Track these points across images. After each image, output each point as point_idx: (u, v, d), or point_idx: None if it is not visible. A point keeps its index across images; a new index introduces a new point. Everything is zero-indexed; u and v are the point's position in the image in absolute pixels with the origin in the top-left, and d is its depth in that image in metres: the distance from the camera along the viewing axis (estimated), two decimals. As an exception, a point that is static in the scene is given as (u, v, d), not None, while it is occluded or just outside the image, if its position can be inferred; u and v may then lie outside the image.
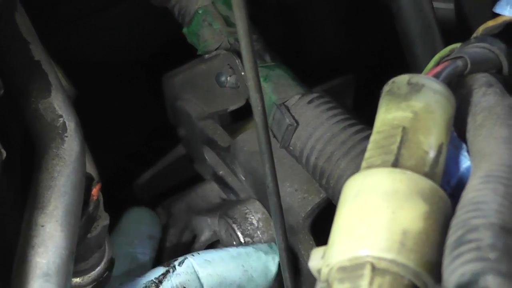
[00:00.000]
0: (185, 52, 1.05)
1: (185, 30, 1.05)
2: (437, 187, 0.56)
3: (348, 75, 1.23)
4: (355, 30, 1.35)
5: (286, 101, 0.91)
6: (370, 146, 0.61)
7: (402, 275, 0.52)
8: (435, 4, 1.00)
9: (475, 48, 0.69)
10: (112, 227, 0.93)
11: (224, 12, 1.02)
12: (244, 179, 0.99)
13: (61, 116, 0.78)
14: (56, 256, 0.70)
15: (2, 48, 0.81)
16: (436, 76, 0.65)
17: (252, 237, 0.96)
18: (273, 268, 0.92)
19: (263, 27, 1.05)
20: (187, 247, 1.07)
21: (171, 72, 1.10)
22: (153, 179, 1.20)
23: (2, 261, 0.75)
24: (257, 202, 0.98)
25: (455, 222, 0.52)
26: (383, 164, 0.58)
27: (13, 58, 0.82)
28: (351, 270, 0.53)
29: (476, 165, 0.57)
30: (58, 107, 0.79)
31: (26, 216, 0.73)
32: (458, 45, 0.72)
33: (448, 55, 0.70)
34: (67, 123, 0.78)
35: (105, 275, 0.84)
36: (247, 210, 0.97)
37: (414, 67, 0.95)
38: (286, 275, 0.77)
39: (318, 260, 0.58)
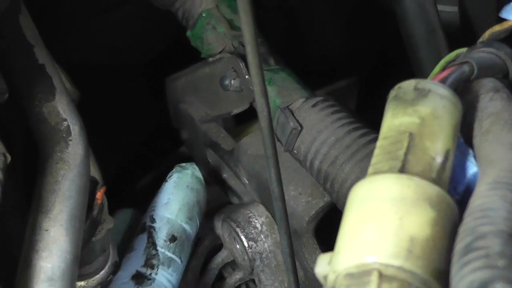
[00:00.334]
0: (188, 55, 1.05)
1: (189, 33, 1.04)
2: (445, 194, 0.56)
3: (352, 77, 1.23)
4: (358, 33, 1.35)
5: (290, 105, 0.91)
6: (376, 151, 0.60)
7: (409, 282, 0.52)
8: (440, 7, 0.99)
9: (482, 53, 0.69)
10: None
11: (228, 15, 1.02)
12: (247, 182, 0.99)
13: (65, 120, 0.78)
14: (61, 261, 0.70)
15: (6, 51, 0.81)
16: (443, 81, 0.64)
17: (255, 241, 0.96)
18: (198, 173, 1.00)
19: (265, 29, 1.05)
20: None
21: (174, 75, 1.10)
22: (156, 181, 1.19)
23: (6, 264, 0.75)
24: (261, 206, 0.97)
25: (463, 229, 0.52)
26: (390, 170, 0.58)
27: (17, 62, 0.82)
28: (358, 276, 0.53)
29: (484, 171, 0.57)
30: (62, 110, 0.79)
31: (30, 220, 0.73)
32: (464, 49, 0.71)
33: (454, 60, 0.69)
34: (71, 126, 0.78)
35: (109, 278, 0.84)
36: (251, 214, 0.97)
37: (418, 71, 0.95)
38: (291, 279, 0.77)
39: (325, 266, 0.57)
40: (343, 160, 0.84)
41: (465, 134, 0.64)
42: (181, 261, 0.94)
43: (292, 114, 0.90)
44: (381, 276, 0.52)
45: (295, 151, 0.89)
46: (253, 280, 1.00)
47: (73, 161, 0.76)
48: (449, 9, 1.10)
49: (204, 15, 1.02)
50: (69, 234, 0.71)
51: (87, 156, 0.78)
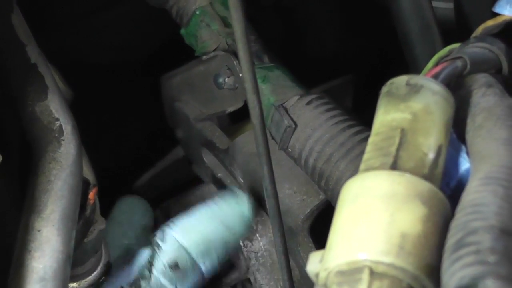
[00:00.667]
0: (183, 53, 1.05)
1: (183, 31, 1.04)
2: (436, 190, 0.56)
3: (348, 75, 1.22)
4: (354, 30, 1.35)
5: (284, 102, 0.90)
6: (368, 148, 0.60)
7: (400, 279, 0.52)
8: (435, 4, 0.99)
9: (475, 48, 0.68)
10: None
11: (222, 12, 1.01)
12: (242, 181, 0.99)
13: (57, 119, 0.78)
14: (53, 261, 0.70)
15: (-2, 50, 0.81)
16: (435, 76, 0.64)
17: (250, 240, 0.95)
18: (246, 212, 0.91)
19: (260, 27, 1.05)
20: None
21: (169, 73, 1.09)
22: (152, 181, 1.19)
23: (2, 264, 0.74)
24: (256, 205, 0.97)
25: (454, 224, 0.51)
26: (381, 167, 0.57)
27: (10, 61, 0.82)
28: (349, 274, 0.53)
29: (476, 166, 0.57)
30: (54, 110, 0.79)
31: (22, 220, 0.72)
32: (457, 45, 0.71)
33: (447, 55, 0.69)
34: (63, 126, 0.78)
35: (101, 279, 0.84)
36: (246, 213, 0.96)
37: (414, 67, 0.95)
38: (285, 278, 0.76)
39: (316, 264, 0.57)
40: (337, 157, 0.84)
41: (458, 130, 0.64)
42: None
43: (287, 112, 0.89)
44: (372, 273, 0.52)
45: (289, 149, 0.89)
46: (249, 279, 1.00)
47: (66, 160, 0.76)
48: (444, 5, 1.10)
49: (198, 12, 1.02)
50: (61, 234, 0.71)
51: (79, 156, 0.77)
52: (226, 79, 0.97)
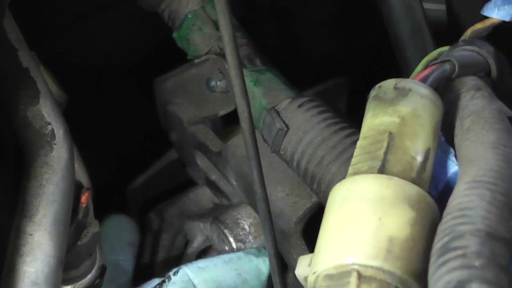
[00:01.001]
0: (175, 56, 1.05)
1: (175, 34, 1.04)
2: (424, 193, 0.56)
3: (342, 76, 1.23)
4: (349, 32, 1.35)
5: (276, 105, 0.91)
6: (356, 151, 0.60)
7: (388, 283, 0.52)
8: (427, 5, 0.99)
9: (463, 51, 0.69)
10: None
11: (214, 16, 1.01)
12: (235, 183, 0.99)
13: (49, 124, 0.78)
14: (45, 265, 0.70)
15: (-11, 55, 0.81)
16: (423, 80, 0.64)
17: (244, 242, 0.95)
18: (264, 269, 0.92)
19: (255, 29, 1.05)
20: (180, 252, 1.07)
21: (162, 76, 1.09)
22: (146, 183, 1.19)
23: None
24: (249, 207, 0.97)
25: (441, 228, 0.52)
26: (369, 170, 0.58)
27: (1, 65, 0.82)
28: (337, 278, 0.53)
29: (463, 170, 0.57)
30: (46, 114, 0.79)
31: (14, 225, 0.72)
32: (446, 48, 0.71)
33: (436, 59, 0.69)
34: (55, 130, 0.78)
35: (96, 282, 0.84)
36: (239, 215, 0.97)
37: (405, 70, 0.95)
38: (276, 280, 0.76)
39: (305, 268, 0.57)
40: (329, 160, 0.84)
41: (446, 133, 0.64)
42: None
43: (278, 115, 0.89)
44: (360, 276, 0.52)
45: (281, 152, 0.89)
46: (243, 282, 1.00)
47: (58, 165, 0.76)
48: (436, 7, 1.10)
49: (190, 16, 1.02)
50: (53, 238, 0.71)
51: (71, 160, 0.77)
52: (218, 83, 0.97)
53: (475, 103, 0.63)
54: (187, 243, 1.07)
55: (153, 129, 1.17)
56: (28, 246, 0.70)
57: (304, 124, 0.88)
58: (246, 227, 0.96)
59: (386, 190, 0.55)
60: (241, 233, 0.96)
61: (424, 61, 0.70)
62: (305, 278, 0.57)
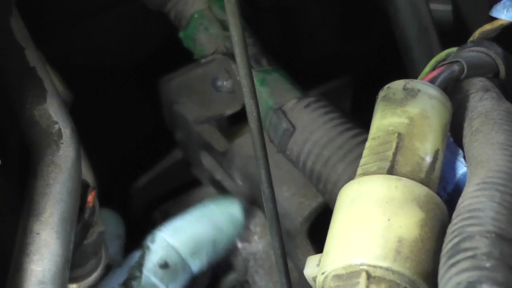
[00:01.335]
0: (181, 56, 1.05)
1: (181, 34, 1.04)
2: (433, 194, 0.56)
3: (346, 77, 1.23)
4: (353, 32, 1.35)
5: (282, 106, 0.91)
6: (365, 152, 0.60)
7: (397, 283, 0.52)
8: (433, 6, 0.99)
9: (472, 52, 0.69)
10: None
11: (220, 16, 1.01)
12: (241, 183, 0.99)
13: (56, 123, 0.78)
14: (52, 264, 0.70)
15: (-3, 54, 0.81)
16: (432, 81, 0.64)
17: (249, 242, 0.95)
18: (237, 214, 0.92)
19: (258, 29, 1.05)
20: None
21: (168, 76, 1.09)
22: (150, 183, 1.19)
23: (1, 267, 0.74)
24: (254, 207, 0.97)
25: (451, 229, 0.52)
26: (378, 171, 0.58)
27: (8, 64, 0.82)
28: (346, 278, 0.53)
29: (472, 171, 0.57)
30: (53, 113, 0.79)
31: (21, 224, 0.72)
32: (454, 49, 0.71)
33: (444, 60, 0.69)
34: (62, 129, 0.78)
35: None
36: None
37: (411, 71, 0.95)
38: (282, 281, 0.76)
39: (314, 268, 0.57)
40: (335, 160, 0.84)
41: (455, 134, 0.64)
42: None
43: (285, 115, 0.89)
44: (369, 277, 0.52)
45: (288, 152, 0.89)
46: (248, 281, 1.00)
47: (64, 164, 0.76)
48: (443, 8, 1.10)
49: (196, 16, 1.02)
50: (60, 237, 0.71)
51: (78, 159, 0.77)
52: (224, 82, 0.97)
53: (483, 104, 0.63)
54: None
55: (158, 129, 1.17)
56: (35, 245, 0.70)
57: (310, 124, 0.88)
58: (252, 226, 0.96)
59: (395, 191, 0.55)
60: (246, 232, 0.96)
61: (432, 62, 0.70)
62: (314, 278, 0.57)
